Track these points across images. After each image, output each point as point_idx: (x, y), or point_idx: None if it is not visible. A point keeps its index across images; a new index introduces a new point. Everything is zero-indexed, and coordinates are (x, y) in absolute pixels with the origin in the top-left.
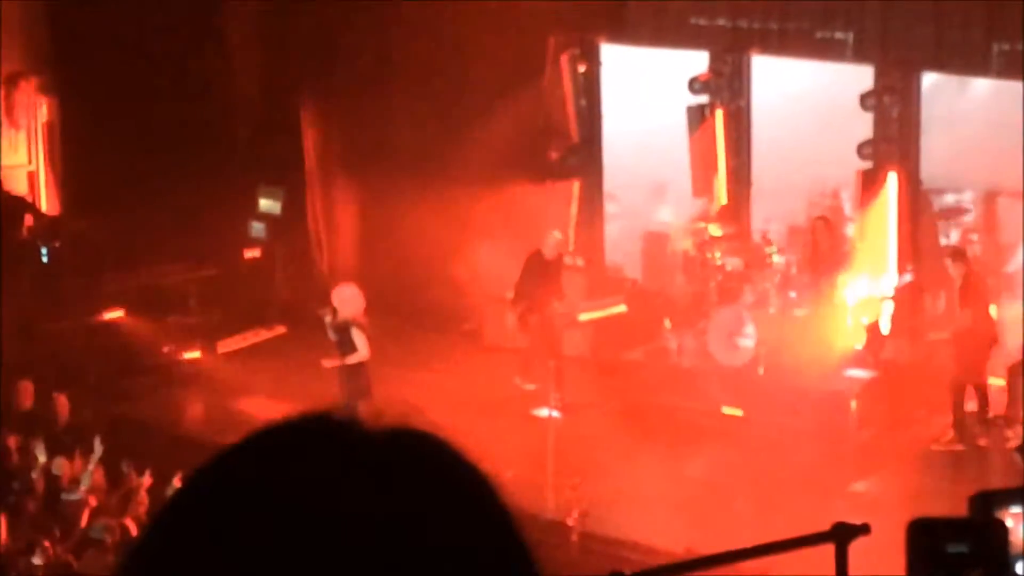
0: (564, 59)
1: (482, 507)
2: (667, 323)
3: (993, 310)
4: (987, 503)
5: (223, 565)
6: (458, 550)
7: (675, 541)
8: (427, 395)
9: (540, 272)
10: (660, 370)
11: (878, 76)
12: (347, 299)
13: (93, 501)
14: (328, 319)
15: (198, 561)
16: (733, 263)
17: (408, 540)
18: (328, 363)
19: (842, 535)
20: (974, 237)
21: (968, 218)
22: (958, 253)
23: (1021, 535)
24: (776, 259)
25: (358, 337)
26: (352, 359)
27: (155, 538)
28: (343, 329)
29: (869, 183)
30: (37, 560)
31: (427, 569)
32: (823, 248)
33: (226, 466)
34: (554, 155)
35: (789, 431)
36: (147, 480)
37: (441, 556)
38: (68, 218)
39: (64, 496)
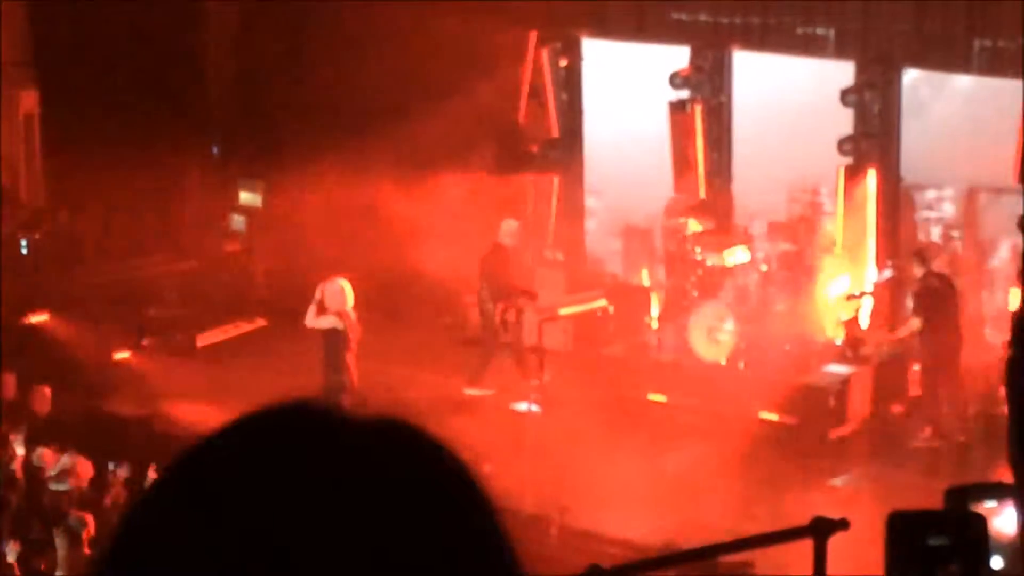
0: (545, 53)
1: (461, 496)
2: (647, 318)
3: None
4: (962, 497)
5: (202, 554)
6: (436, 538)
7: (654, 535)
8: (408, 389)
9: (504, 264)
10: (640, 365)
11: (859, 72)
12: (335, 293)
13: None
14: (316, 313)
15: (176, 550)
16: (713, 258)
17: (386, 528)
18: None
19: (821, 530)
20: (955, 233)
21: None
22: (920, 254)
23: (993, 529)
24: (757, 255)
25: (344, 331)
26: (341, 355)
27: (133, 528)
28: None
29: (849, 179)
30: (11, 553)
31: (404, 558)
32: (805, 244)
33: (205, 455)
34: (535, 149)
35: (768, 426)
36: (125, 473)
37: (419, 544)
38: (48, 210)
39: (53, 486)
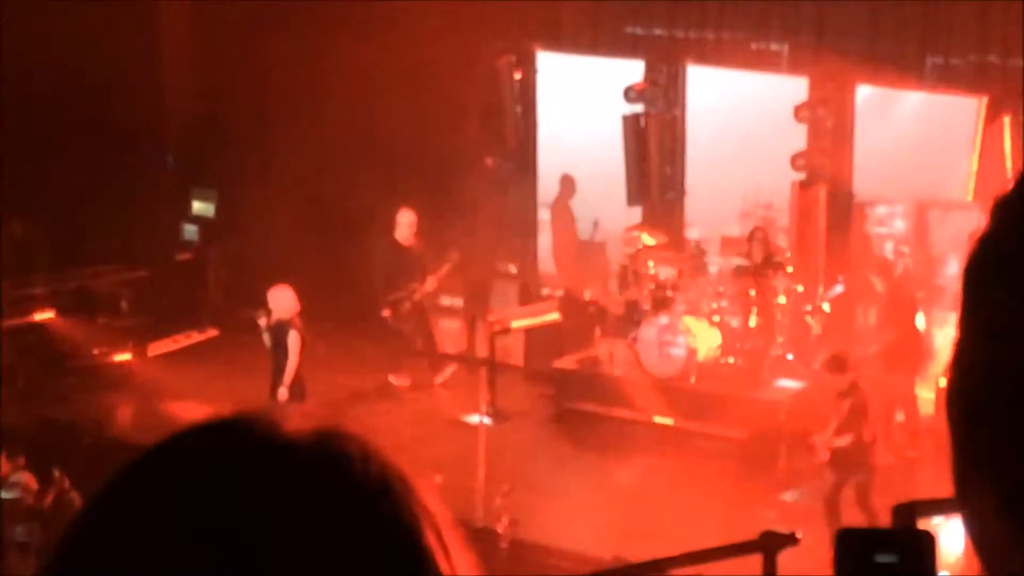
0: (500, 66)
1: (401, 510)
2: (598, 332)
3: (921, 321)
4: (910, 512)
5: (140, 567)
6: (371, 553)
7: (605, 549)
8: (358, 400)
9: (398, 259)
10: (591, 378)
11: (812, 88)
12: (282, 301)
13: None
14: (262, 321)
15: (114, 565)
16: (666, 272)
17: (324, 542)
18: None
19: (770, 544)
20: (905, 249)
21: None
22: (883, 268)
23: (942, 545)
24: (709, 269)
25: (292, 339)
26: (289, 363)
27: (75, 539)
28: (277, 331)
29: (802, 194)
30: None
31: (337, 571)
32: (757, 259)
33: (145, 467)
34: (489, 162)
35: (719, 440)
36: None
37: (354, 558)
38: None
39: (2, 495)
